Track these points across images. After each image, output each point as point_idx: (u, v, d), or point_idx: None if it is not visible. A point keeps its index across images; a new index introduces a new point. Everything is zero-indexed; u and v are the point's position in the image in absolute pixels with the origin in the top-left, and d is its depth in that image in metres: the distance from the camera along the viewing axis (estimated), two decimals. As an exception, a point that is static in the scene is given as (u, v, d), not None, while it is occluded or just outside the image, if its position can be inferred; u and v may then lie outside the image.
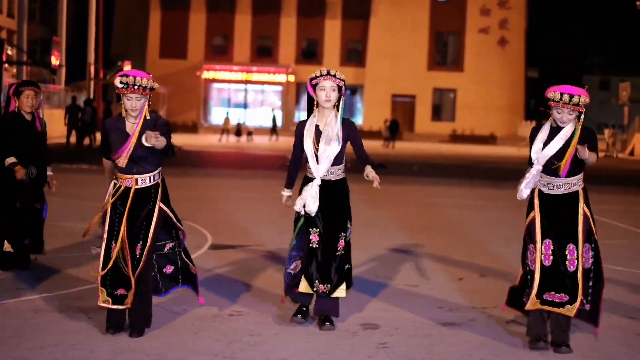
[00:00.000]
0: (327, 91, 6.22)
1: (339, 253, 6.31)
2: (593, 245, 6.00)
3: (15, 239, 7.88)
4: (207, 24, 58.31)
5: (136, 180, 5.90)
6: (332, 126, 6.26)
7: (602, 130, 42.34)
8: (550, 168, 5.92)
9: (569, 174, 5.93)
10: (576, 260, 5.86)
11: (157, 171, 5.98)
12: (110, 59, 54.63)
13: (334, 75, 6.23)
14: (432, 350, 5.87)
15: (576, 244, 5.87)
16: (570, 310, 5.83)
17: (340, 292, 6.32)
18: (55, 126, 33.36)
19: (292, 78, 57.93)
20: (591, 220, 5.97)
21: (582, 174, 6.00)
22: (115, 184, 5.96)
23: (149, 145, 5.65)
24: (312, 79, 6.29)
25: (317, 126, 6.30)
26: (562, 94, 5.81)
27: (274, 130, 45.59)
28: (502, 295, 7.48)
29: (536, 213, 5.97)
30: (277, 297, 7.16)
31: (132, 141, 5.81)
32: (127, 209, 5.84)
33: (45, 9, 53.33)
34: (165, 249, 6.23)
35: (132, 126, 5.88)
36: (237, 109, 56.41)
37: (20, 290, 7.13)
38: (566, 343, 5.90)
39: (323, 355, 5.69)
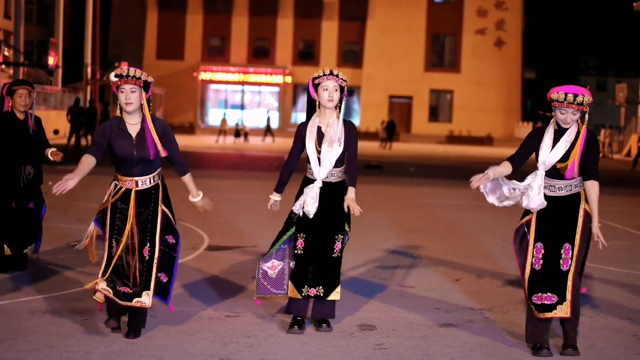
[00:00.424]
0: (329, 91, 6.21)
1: (335, 255, 6.30)
2: (586, 245, 6.01)
3: (13, 240, 7.86)
4: (204, 25, 58.29)
5: (136, 182, 5.88)
6: (335, 127, 6.25)
7: (599, 131, 42.38)
8: (555, 171, 5.89)
9: (573, 176, 5.89)
10: (570, 260, 5.86)
11: (156, 172, 5.97)
12: (107, 60, 54.63)
13: (337, 76, 6.23)
14: (429, 351, 5.87)
15: (572, 244, 5.86)
16: (564, 311, 5.81)
17: (336, 294, 6.30)
18: (52, 127, 33.32)
19: (289, 79, 57.93)
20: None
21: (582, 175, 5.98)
22: (116, 185, 5.93)
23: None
24: (314, 79, 6.26)
25: (319, 128, 6.30)
26: (566, 94, 5.78)
27: (268, 131, 45.41)
28: (499, 296, 7.50)
29: (534, 214, 5.95)
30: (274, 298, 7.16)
31: (154, 140, 5.79)
32: (133, 212, 5.83)
33: (42, 10, 53.34)
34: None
35: (133, 127, 5.85)
36: (234, 110, 56.36)
37: (16, 292, 7.11)
38: (573, 345, 5.87)
39: (319, 356, 5.68)
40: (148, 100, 5.88)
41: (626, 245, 11.14)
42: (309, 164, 6.30)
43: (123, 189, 5.89)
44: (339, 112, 6.29)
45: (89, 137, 31.20)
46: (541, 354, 5.85)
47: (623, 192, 20.01)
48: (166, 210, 6.00)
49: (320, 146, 6.23)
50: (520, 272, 6.00)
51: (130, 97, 5.78)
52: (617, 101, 47.70)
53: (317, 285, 6.23)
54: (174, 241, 6.04)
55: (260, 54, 58.62)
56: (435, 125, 57.74)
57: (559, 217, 5.89)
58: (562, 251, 5.86)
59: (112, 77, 5.78)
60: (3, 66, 35.77)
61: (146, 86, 5.84)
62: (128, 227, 5.83)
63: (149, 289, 5.83)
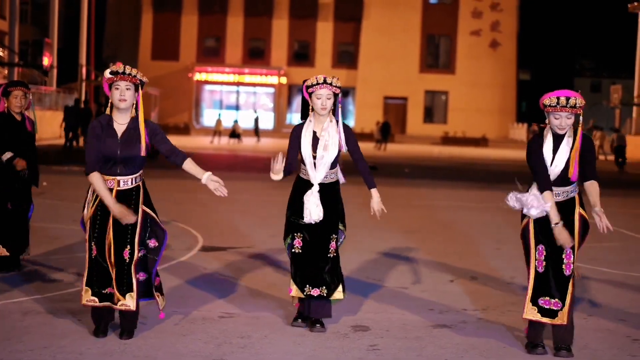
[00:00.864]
0: (322, 99, 6.22)
1: (331, 255, 6.32)
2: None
3: (8, 241, 7.85)
4: (199, 26, 58.27)
5: (118, 181, 5.84)
6: (329, 132, 6.28)
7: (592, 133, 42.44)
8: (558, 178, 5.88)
9: (571, 181, 5.89)
10: (572, 265, 5.87)
11: (139, 174, 5.93)
12: (102, 60, 54.52)
13: (330, 84, 6.23)
14: (422, 352, 5.87)
15: (573, 249, 5.86)
16: (562, 318, 5.82)
17: (339, 294, 6.34)
18: (47, 127, 33.29)
19: (284, 80, 57.93)
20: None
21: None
22: None
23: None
24: (308, 87, 6.27)
25: (314, 132, 6.31)
26: (558, 98, 5.74)
27: (256, 132, 45.16)
28: (493, 297, 7.49)
29: (530, 220, 5.95)
30: (268, 298, 7.17)
31: (141, 139, 5.78)
32: (111, 213, 5.80)
33: (36, 10, 53.24)
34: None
35: (120, 126, 5.82)
36: (229, 111, 56.32)
37: (8, 292, 7.10)
38: (567, 346, 5.87)
39: (313, 357, 5.68)
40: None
41: (620, 246, 11.16)
42: (304, 165, 6.31)
43: None
44: (334, 116, 6.32)
45: (82, 139, 31.15)
46: (536, 351, 5.87)
47: (616, 193, 20.03)
48: (148, 210, 5.94)
49: (315, 151, 6.25)
50: (528, 272, 5.98)
51: (124, 94, 5.76)
52: (612, 102, 47.75)
53: (320, 286, 6.27)
54: (156, 244, 5.97)
55: (255, 54, 58.62)
56: (430, 126, 57.79)
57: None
58: (564, 256, 5.86)
59: (107, 73, 5.77)
60: (-2, 67, 35.74)
61: (140, 85, 5.83)
62: (110, 228, 5.80)
63: (132, 291, 5.80)
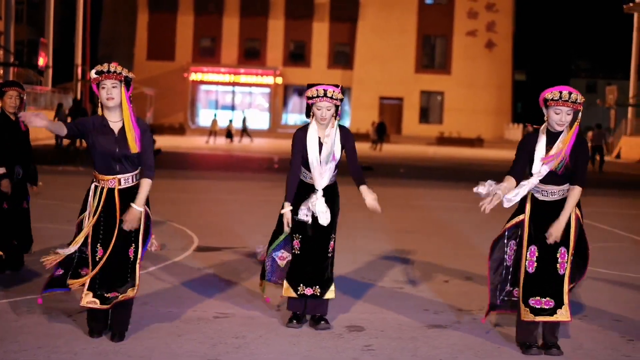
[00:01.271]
0: (322, 111, 6.30)
1: (330, 255, 6.41)
2: (583, 249, 6.05)
3: (4, 241, 7.84)
4: (195, 26, 58.25)
5: (119, 180, 5.84)
6: (332, 137, 6.35)
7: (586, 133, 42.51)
8: (548, 176, 5.88)
9: (567, 179, 5.89)
10: (566, 264, 5.88)
11: (138, 171, 5.93)
12: (97, 60, 54.41)
13: (331, 97, 6.27)
14: (417, 352, 5.88)
15: (567, 248, 5.88)
16: (565, 315, 5.85)
17: (331, 293, 6.40)
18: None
19: (279, 80, 57.94)
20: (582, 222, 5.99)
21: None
22: (96, 187, 5.85)
23: (37, 126, 5.46)
24: (309, 98, 6.32)
25: (318, 138, 6.37)
26: (561, 92, 5.75)
27: (244, 131, 45.03)
28: (487, 297, 7.48)
29: (526, 218, 5.96)
30: (262, 298, 7.16)
31: (135, 134, 5.77)
32: (117, 213, 5.79)
33: (32, 10, 53.19)
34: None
35: (115, 124, 5.80)
36: (225, 111, 56.29)
37: (4, 292, 7.09)
38: (556, 345, 5.91)
39: (307, 357, 5.69)
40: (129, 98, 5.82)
41: (614, 246, 11.17)
42: (309, 170, 6.35)
43: (105, 189, 5.84)
44: (336, 121, 6.37)
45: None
46: (530, 352, 5.88)
47: (610, 193, 20.07)
48: (148, 210, 5.95)
49: (321, 158, 6.31)
50: (506, 264, 6.03)
51: (111, 92, 5.73)
52: (607, 103, 47.81)
53: (313, 285, 6.33)
54: (133, 255, 5.87)
55: (251, 54, 58.61)
56: (425, 126, 57.82)
57: (551, 221, 5.88)
58: (558, 255, 5.87)
59: (93, 74, 5.77)
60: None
61: (127, 82, 5.79)
62: (116, 229, 5.79)
63: (134, 287, 5.83)
